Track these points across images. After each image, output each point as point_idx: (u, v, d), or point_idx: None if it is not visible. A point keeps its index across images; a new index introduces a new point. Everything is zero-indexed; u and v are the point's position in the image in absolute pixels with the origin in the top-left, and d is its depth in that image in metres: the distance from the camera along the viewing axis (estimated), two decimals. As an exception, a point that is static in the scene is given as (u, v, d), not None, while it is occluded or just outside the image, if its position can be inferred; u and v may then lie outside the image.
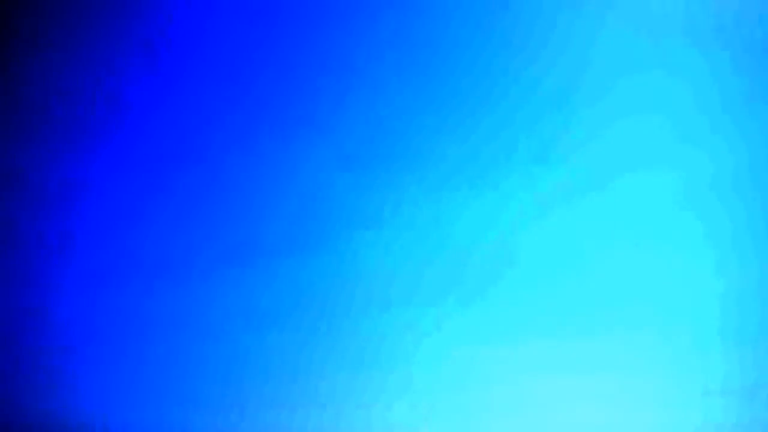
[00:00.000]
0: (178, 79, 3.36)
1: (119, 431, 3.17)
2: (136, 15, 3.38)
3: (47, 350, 3.26)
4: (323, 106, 3.33)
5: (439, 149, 3.27)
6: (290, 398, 3.16)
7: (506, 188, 3.24)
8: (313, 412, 3.13)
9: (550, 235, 3.20)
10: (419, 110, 3.30)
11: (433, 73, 3.32)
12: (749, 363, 3.02)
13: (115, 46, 3.38)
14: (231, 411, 3.15)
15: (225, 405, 3.16)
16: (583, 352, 3.08)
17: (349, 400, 3.14)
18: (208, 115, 3.35)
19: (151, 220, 3.31)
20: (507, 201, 3.23)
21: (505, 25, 3.29)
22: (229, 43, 3.37)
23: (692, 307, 3.10)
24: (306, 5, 3.36)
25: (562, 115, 3.25)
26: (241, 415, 3.15)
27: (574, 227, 3.19)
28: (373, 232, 3.24)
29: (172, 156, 3.34)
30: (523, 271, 3.18)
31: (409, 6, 3.34)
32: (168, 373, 3.21)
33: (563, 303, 3.14)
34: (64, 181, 3.34)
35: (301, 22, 3.36)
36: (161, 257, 3.28)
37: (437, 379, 3.12)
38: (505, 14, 3.29)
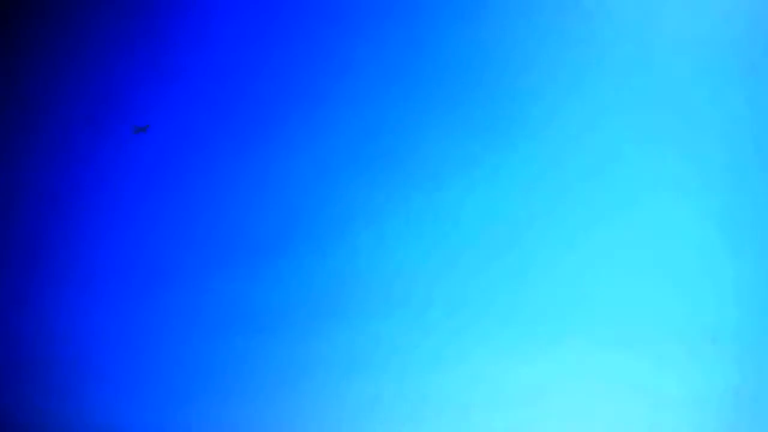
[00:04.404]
0: (178, 82, 3.39)
1: (120, 429, 3.17)
2: (137, 17, 3.40)
3: (47, 351, 3.28)
4: (320, 109, 3.35)
5: (438, 150, 3.27)
6: (287, 398, 3.18)
7: (503, 191, 3.23)
8: (308, 412, 3.13)
9: (548, 234, 3.20)
10: (417, 112, 3.31)
11: (431, 77, 3.32)
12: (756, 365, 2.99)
13: (117, 49, 3.40)
14: (230, 410, 3.17)
15: (224, 404, 3.18)
16: (583, 354, 3.08)
17: (344, 399, 3.14)
18: (207, 118, 3.38)
19: (150, 222, 3.34)
20: (505, 203, 3.22)
21: (506, 34, 3.29)
22: (229, 47, 3.40)
23: (692, 313, 3.08)
24: (306, 9, 3.37)
25: (563, 117, 3.25)
26: (240, 415, 3.16)
27: (574, 225, 3.20)
28: (369, 233, 3.25)
29: (171, 158, 3.37)
30: (522, 272, 3.17)
31: (409, 11, 3.34)
32: (166, 373, 3.23)
33: (563, 306, 3.13)
34: (63, 184, 3.36)
35: (300, 26, 3.38)
36: (161, 259, 3.31)
37: (433, 379, 3.12)
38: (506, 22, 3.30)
